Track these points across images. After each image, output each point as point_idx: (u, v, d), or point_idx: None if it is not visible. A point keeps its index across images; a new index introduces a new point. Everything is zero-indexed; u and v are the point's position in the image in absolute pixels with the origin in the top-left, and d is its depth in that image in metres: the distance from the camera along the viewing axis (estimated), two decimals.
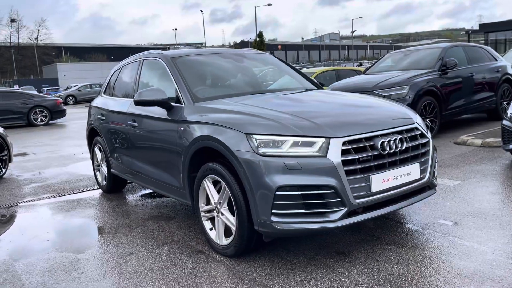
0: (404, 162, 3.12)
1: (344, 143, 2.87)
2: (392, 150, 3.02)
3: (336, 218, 2.82)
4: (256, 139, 2.91)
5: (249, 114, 3.20)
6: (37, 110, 16.60)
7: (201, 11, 60.83)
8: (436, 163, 3.48)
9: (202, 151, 3.36)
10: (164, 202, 4.90)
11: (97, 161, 5.65)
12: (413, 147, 3.21)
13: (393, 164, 3.06)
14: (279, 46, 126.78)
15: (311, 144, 2.86)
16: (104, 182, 5.51)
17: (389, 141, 3.01)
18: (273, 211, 2.82)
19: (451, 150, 6.54)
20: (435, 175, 3.49)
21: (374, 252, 3.20)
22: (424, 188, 3.35)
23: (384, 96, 7.34)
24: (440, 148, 6.72)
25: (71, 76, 58.90)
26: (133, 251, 3.53)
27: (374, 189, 2.93)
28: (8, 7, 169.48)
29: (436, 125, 7.72)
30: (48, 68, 71.84)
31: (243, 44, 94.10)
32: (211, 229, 3.43)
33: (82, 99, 35.32)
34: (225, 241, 3.26)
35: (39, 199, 5.46)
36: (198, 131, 3.37)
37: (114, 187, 5.44)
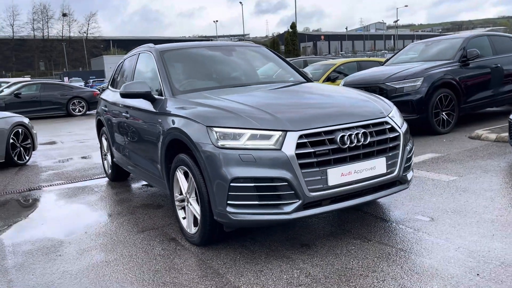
0: (368, 156, 3.10)
1: (300, 137, 2.89)
2: (354, 144, 3.01)
3: (290, 210, 2.86)
4: (216, 132, 2.99)
5: (216, 107, 3.28)
6: (75, 101, 17.40)
7: (240, 2, 60.96)
8: (408, 158, 3.41)
9: (174, 142, 3.48)
10: (160, 191, 5.09)
11: (104, 151, 5.92)
12: (380, 141, 3.17)
13: (355, 158, 3.04)
14: (322, 37, 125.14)
15: (268, 137, 2.90)
16: (110, 171, 5.77)
17: (350, 135, 3.00)
18: (228, 202, 2.90)
19: (463, 145, 6.32)
20: (409, 169, 3.43)
21: (338, 245, 3.21)
22: (394, 183, 3.31)
23: (396, 89, 7.19)
24: (452, 143, 6.52)
25: None
26: (112, 237, 3.72)
27: (331, 182, 2.93)
28: (60, 1, 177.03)
29: (454, 118, 7.44)
30: (96, 61, 74.76)
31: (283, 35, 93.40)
32: (184, 218, 3.55)
33: None
34: (193, 230, 3.37)
35: (51, 185, 5.80)
36: (171, 123, 3.49)
37: (117, 176, 5.69)
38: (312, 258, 3.02)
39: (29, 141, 7.54)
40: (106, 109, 5.40)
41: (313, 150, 2.89)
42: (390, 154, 3.21)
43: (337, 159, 2.97)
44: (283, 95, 3.80)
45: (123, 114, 4.64)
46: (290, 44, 20.06)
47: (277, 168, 2.83)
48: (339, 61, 10.18)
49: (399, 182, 3.34)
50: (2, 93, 17.00)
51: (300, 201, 2.86)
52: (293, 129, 2.91)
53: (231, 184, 2.86)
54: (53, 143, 9.92)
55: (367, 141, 3.07)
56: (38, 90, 16.90)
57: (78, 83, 32.68)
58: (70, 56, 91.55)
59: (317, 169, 2.90)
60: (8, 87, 17.68)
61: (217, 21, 74.30)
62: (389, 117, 3.34)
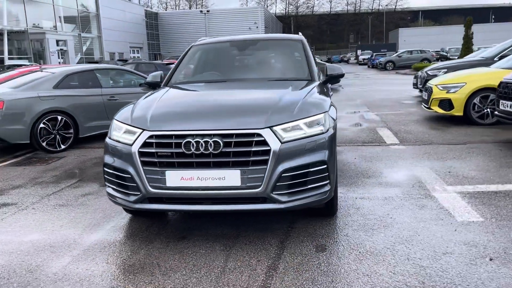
0: (218, 165, 3.01)
1: (150, 137, 3.14)
2: (200, 152, 3.00)
3: (132, 200, 3.22)
4: (115, 124, 3.55)
5: (140, 102, 3.75)
6: None
7: None
8: (290, 176, 3.00)
9: None
10: None
11: None
12: (238, 152, 2.99)
13: (202, 165, 3.03)
14: None
15: (134, 133, 3.28)
16: None
17: (197, 141, 3.00)
18: (106, 182, 3.49)
19: None
20: (289, 189, 3.04)
21: (201, 246, 3.27)
22: (263, 199, 3.05)
23: None
24: None
25: (411, 41, 59.59)
26: (81, 181, 4.75)
27: (169, 183, 3.07)
28: None
29: None
30: (392, 33, 74.85)
31: None
32: None
33: (400, 65, 35.20)
34: None
35: None
36: None
37: None
38: (160, 249, 3.26)
39: None
40: None
41: (155, 151, 3.10)
42: (250, 168, 2.99)
43: (180, 163, 3.06)
44: (211, 95, 3.83)
45: None
46: None
47: (126, 162, 3.21)
48: None
49: (269, 200, 3.04)
50: None
51: (141, 194, 3.16)
52: (148, 129, 3.17)
53: (104, 168, 3.43)
54: None
55: (218, 151, 2.99)
56: None
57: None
58: (376, 28, 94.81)
59: (158, 168, 3.10)
60: None
61: None
62: (271, 129, 3.04)
